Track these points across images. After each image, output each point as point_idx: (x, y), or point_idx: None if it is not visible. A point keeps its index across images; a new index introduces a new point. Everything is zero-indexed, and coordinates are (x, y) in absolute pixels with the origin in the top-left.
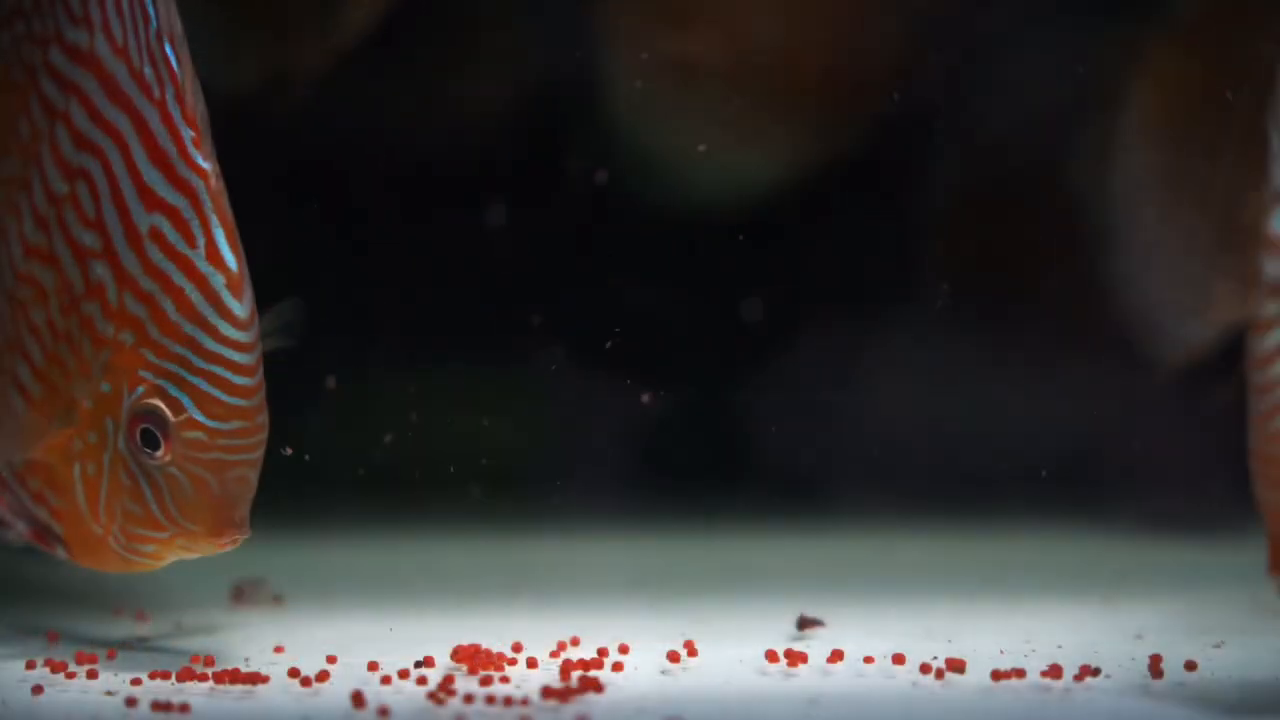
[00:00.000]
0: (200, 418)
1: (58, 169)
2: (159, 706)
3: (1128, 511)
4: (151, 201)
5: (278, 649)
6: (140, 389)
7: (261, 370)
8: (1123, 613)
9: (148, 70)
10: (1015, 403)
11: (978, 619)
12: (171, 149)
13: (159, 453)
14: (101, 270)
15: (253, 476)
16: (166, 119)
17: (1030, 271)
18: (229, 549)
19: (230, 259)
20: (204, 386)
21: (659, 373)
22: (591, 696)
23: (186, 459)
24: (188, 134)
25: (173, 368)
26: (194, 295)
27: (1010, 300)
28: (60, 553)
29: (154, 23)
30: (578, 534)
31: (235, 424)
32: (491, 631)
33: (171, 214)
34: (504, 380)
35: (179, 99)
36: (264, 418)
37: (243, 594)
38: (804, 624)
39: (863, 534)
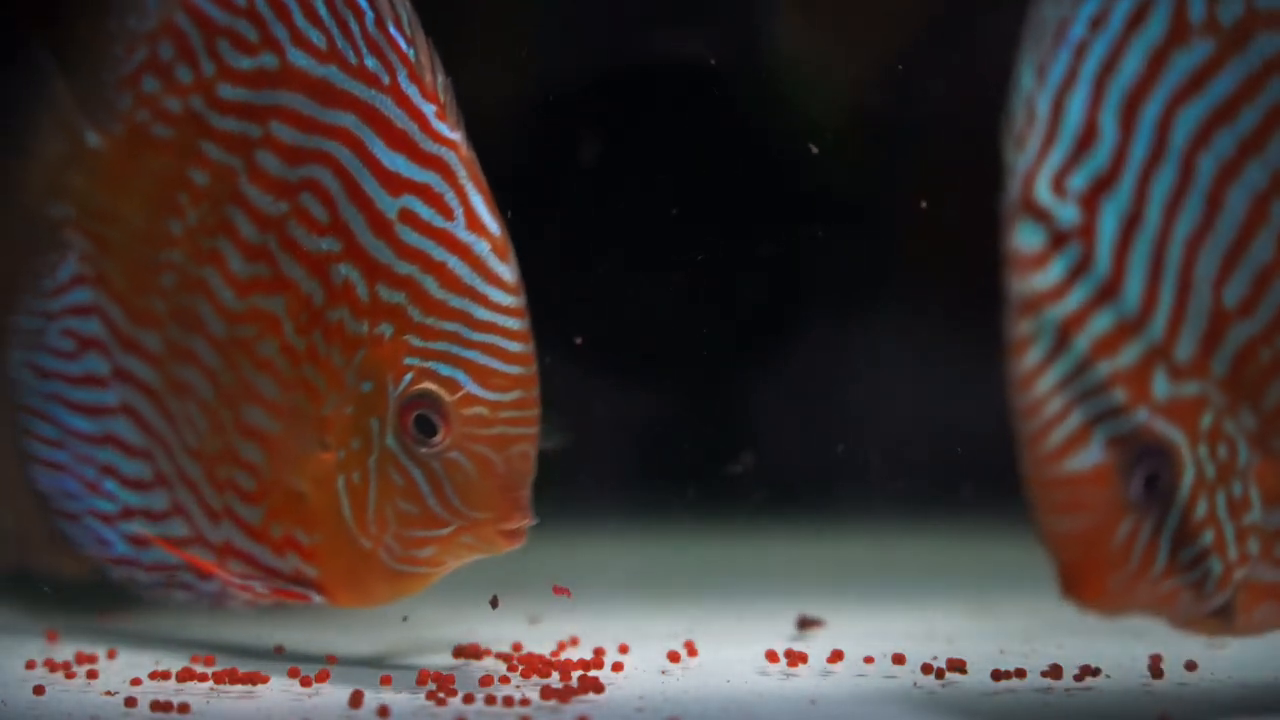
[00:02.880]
0: (479, 391)
1: (267, 193)
2: (159, 706)
3: None
4: (397, 185)
5: (278, 649)
6: (408, 377)
7: (532, 339)
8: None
9: (370, 61)
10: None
11: (978, 619)
12: (412, 128)
13: (437, 438)
14: (346, 270)
15: (534, 455)
16: (403, 101)
17: None
18: (515, 545)
19: (492, 224)
20: (480, 359)
21: (659, 372)
22: (591, 696)
23: (467, 439)
24: (429, 109)
25: (442, 346)
26: (458, 267)
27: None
28: (316, 599)
29: (369, 14)
30: (578, 534)
31: (516, 394)
32: (492, 632)
33: (422, 191)
34: None
35: (414, 78)
36: (539, 390)
37: None
38: (804, 624)
39: (863, 534)
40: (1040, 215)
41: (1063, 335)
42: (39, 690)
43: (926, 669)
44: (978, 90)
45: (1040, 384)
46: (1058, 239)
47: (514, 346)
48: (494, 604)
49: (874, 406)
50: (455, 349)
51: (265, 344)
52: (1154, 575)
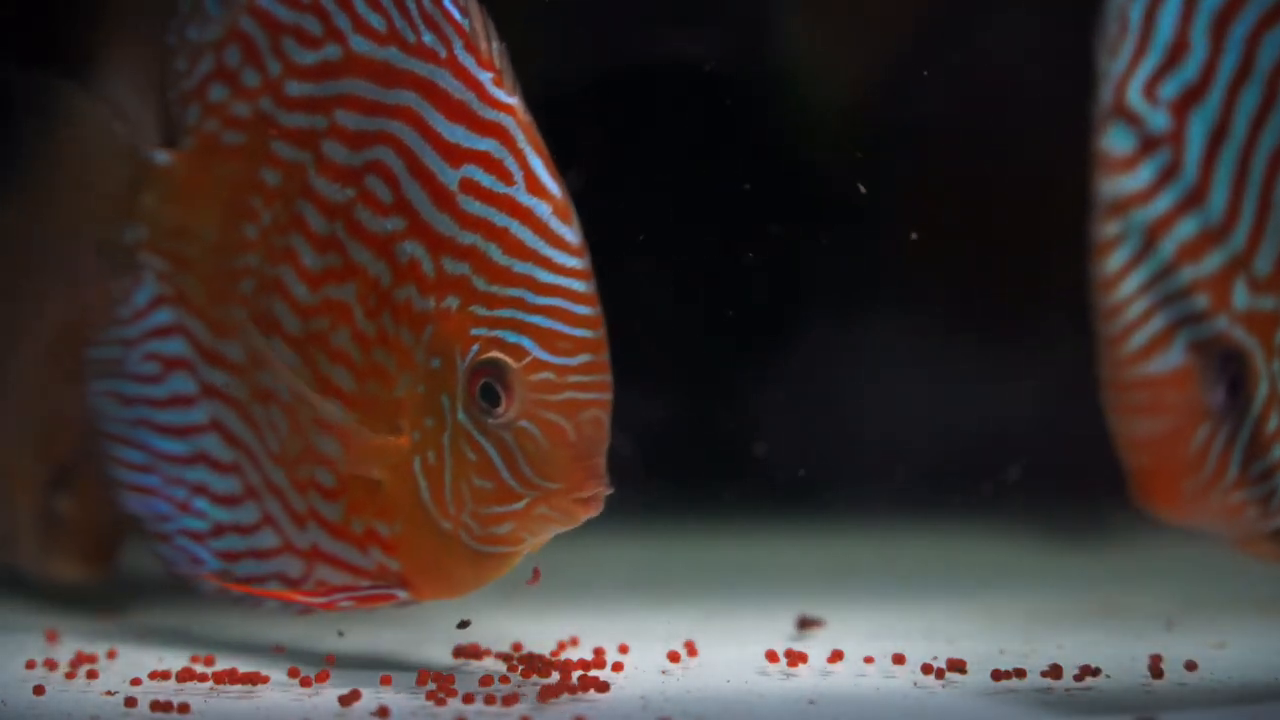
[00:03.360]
0: (545, 356)
1: (334, 182)
2: (159, 706)
3: (1127, 511)
4: (458, 156)
5: (278, 649)
6: (475, 348)
7: (599, 303)
8: (1123, 613)
9: (427, 37)
10: (1016, 402)
11: (978, 619)
12: (470, 98)
13: (500, 407)
14: (411, 248)
15: (607, 421)
16: (460, 72)
17: (1038, 270)
18: (592, 513)
19: (553, 186)
20: (545, 323)
21: (659, 371)
22: (592, 696)
23: (536, 406)
24: (485, 76)
25: (507, 314)
26: (520, 232)
27: (1015, 299)
28: (403, 596)
29: None
30: (578, 534)
31: (583, 358)
32: (492, 631)
33: (482, 159)
34: None
35: (470, 48)
36: (608, 355)
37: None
38: (804, 624)
39: (863, 534)
40: (1132, 119)
41: (1149, 238)
42: (39, 690)
43: (926, 669)
44: (979, 90)
45: (1124, 286)
46: (1148, 143)
47: (580, 309)
48: (463, 626)
49: (874, 406)
50: (520, 315)
51: (338, 334)
52: (1225, 485)
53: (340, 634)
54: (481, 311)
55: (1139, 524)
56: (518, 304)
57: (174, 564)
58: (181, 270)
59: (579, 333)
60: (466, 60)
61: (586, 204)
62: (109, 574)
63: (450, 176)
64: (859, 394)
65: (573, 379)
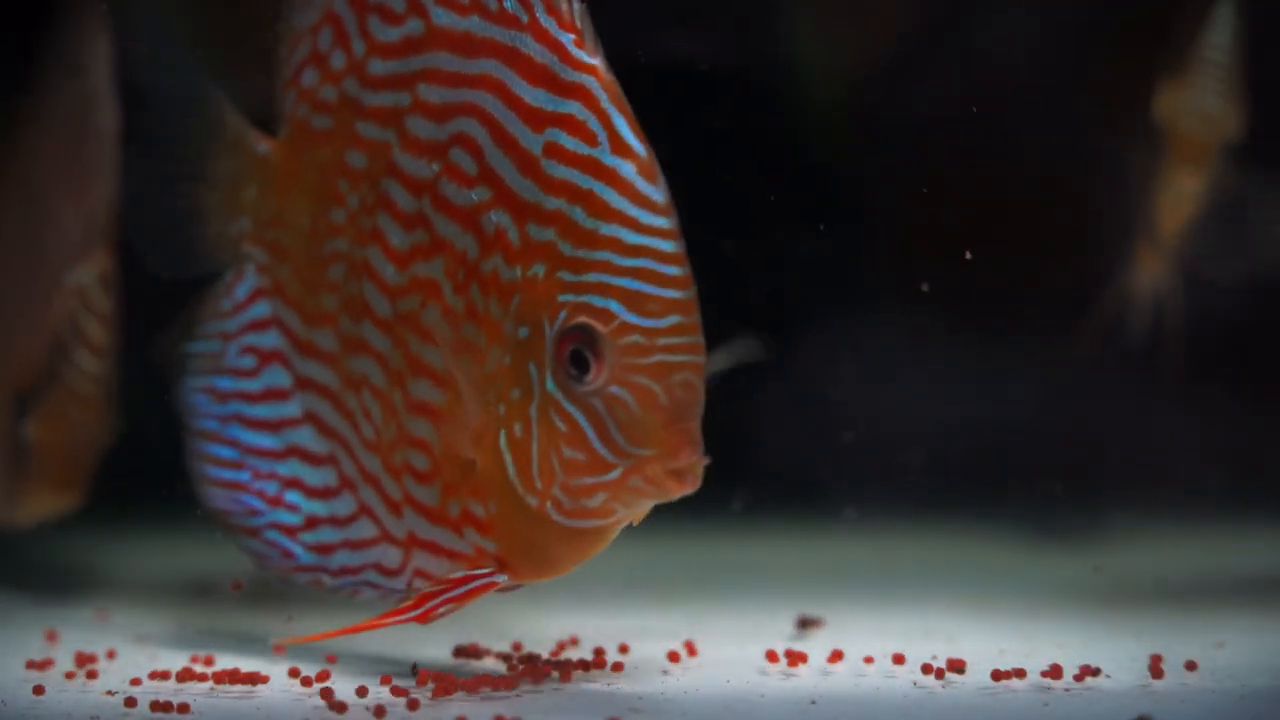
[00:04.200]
0: (634, 319)
1: (420, 157)
2: (159, 706)
3: (1128, 510)
4: (540, 120)
5: (278, 649)
6: (562, 314)
7: (690, 267)
8: (1123, 612)
9: (509, 3)
10: (1016, 402)
11: (978, 619)
12: (553, 60)
13: (590, 374)
14: (497, 218)
15: (700, 385)
16: (541, 35)
17: (1039, 270)
18: (687, 489)
19: (638, 145)
20: (632, 285)
21: None
22: (591, 695)
23: (626, 370)
24: (567, 38)
25: (594, 278)
26: (605, 192)
27: (1016, 299)
28: (503, 581)
29: None
30: None
31: (673, 318)
32: (492, 631)
33: (565, 121)
34: None
35: (551, 10)
36: (699, 318)
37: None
38: (804, 624)
39: (863, 534)
40: None
41: None
42: (39, 690)
43: (926, 669)
44: (980, 90)
45: None
46: None
47: (668, 270)
48: (415, 672)
49: (874, 406)
50: (607, 278)
51: (428, 313)
52: None
53: (289, 619)
54: (568, 277)
55: (1139, 524)
56: (605, 267)
57: (264, 559)
58: (278, 260)
59: (668, 293)
60: (548, 23)
61: None
62: (80, 501)
63: (534, 142)
64: (859, 393)
65: (663, 341)
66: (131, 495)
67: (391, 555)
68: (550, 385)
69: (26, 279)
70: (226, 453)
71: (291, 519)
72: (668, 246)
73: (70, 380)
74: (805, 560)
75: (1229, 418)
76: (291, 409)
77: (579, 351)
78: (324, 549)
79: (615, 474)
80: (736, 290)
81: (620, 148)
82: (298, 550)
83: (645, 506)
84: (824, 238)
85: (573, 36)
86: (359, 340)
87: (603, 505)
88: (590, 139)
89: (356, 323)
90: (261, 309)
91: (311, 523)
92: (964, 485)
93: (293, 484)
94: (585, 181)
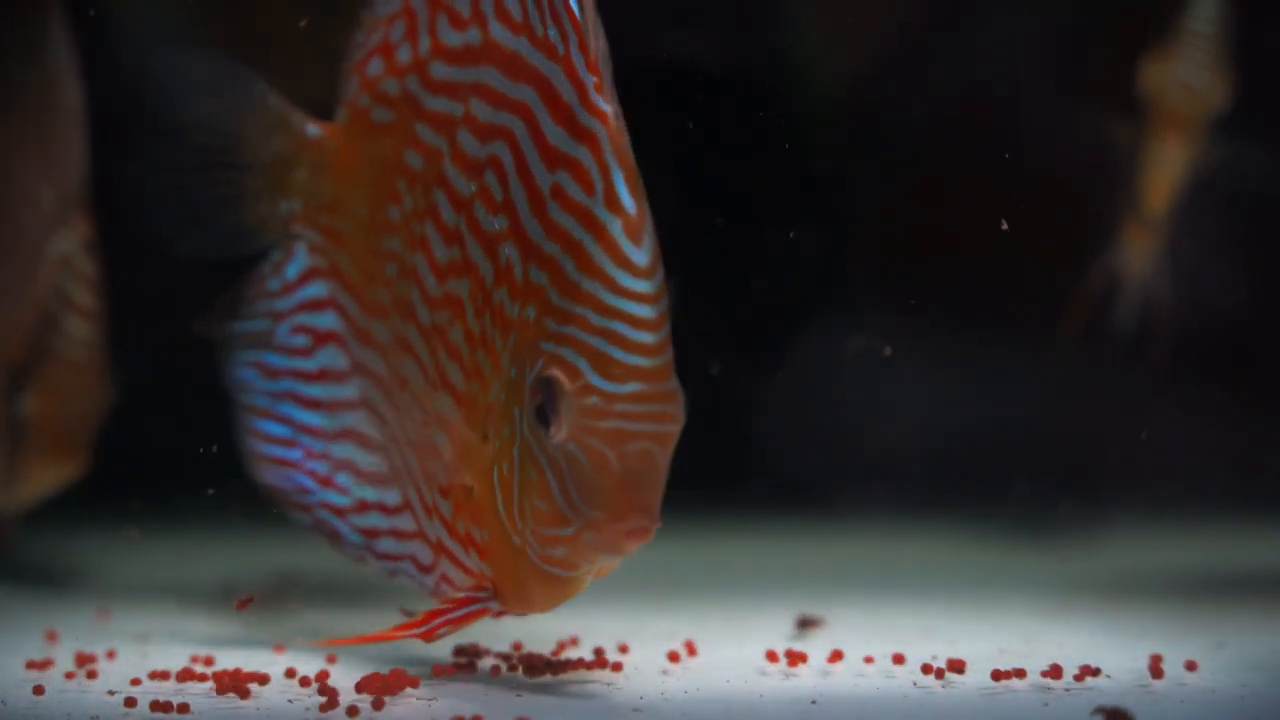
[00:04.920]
0: (596, 381)
1: (464, 173)
2: (159, 706)
3: (1128, 510)
4: (554, 159)
5: (278, 648)
6: (540, 362)
7: (668, 330)
8: (1123, 612)
9: (551, 32)
10: (1016, 402)
11: (978, 619)
12: (575, 99)
13: (551, 429)
14: (509, 250)
15: (660, 455)
16: (570, 72)
17: (1039, 269)
18: (639, 545)
19: (629, 203)
20: (601, 346)
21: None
22: (591, 695)
23: (584, 431)
24: (590, 80)
25: (572, 331)
26: (592, 247)
27: (1017, 299)
28: (495, 609)
29: None
30: None
31: (633, 386)
32: (492, 631)
33: (573, 166)
34: None
35: (582, 47)
36: (671, 385)
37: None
38: (804, 624)
39: (863, 534)
40: None
41: None
42: (39, 690)
43: (926, 669)
44: (980, 89)
45: None
46: None
47: (638, 336)
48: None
49: (875, 406)
50: (582, 335)
51: (455, 330)
52: None
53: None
54: (552, 326)
55: (1139, 524)
56: (582, 323)
57: (316, 530)
58: (335, 245)
59: (632, 360)
60: (578, 59)
61: None
62: (82, 470)
63: (546, 180)
64: (859, 394)
65: (620, 407)
66: (132, 495)
67: (425, 554)
68: (526, 431)
69: (7, 258)
70: (279, 430)
71: (341, 500)
72: (642, 311)
73: (62, 350)
74: (805, 560)
75: (1229, 417)
76: (348, 391)
77: (543, 405)
78: (371, 533)
79: (571, 529)
80: (736, 290)
81: (612, 203)
82: (345, 530)
83: (606, 562)
84: (827, 237)
85: (595, 79)
86: (405, 340)
87: (565, 557)
88: (589, 189)
89: (404, 323)
90: (317, 289)
91: (362, 507)
92: (963, 485)
93: (345, 466)
94: (578, 232)
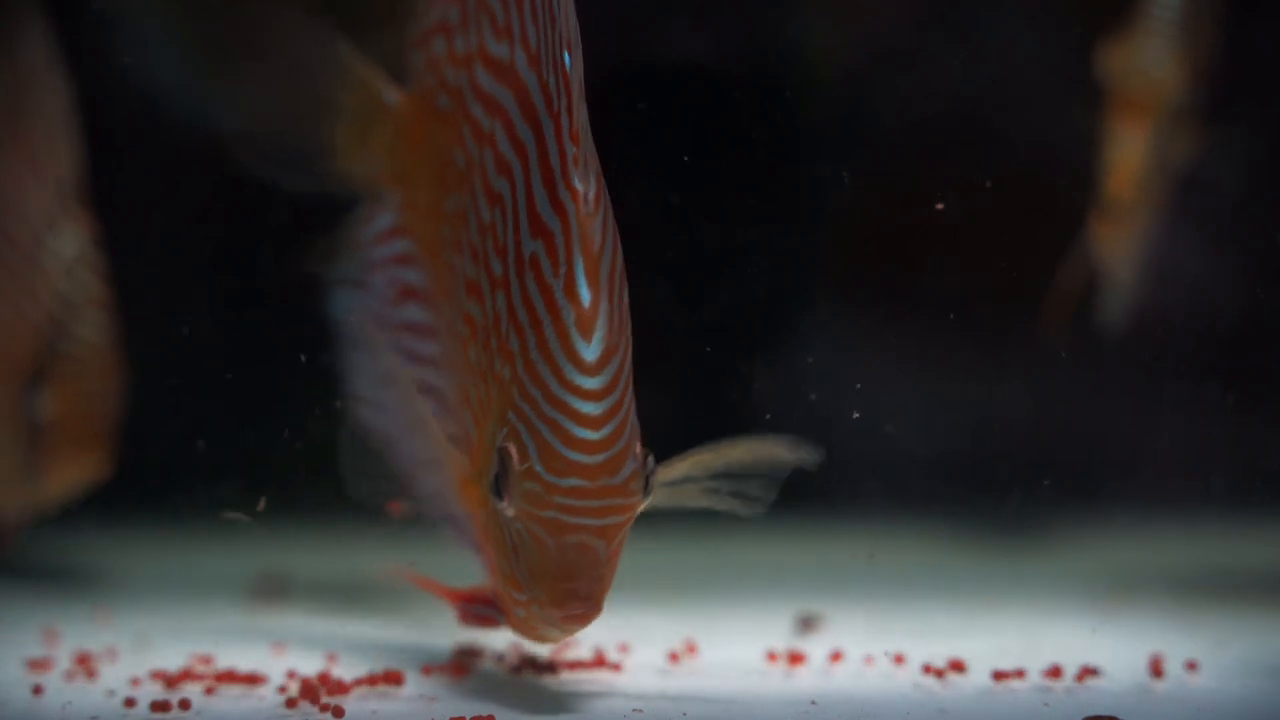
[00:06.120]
0: (539, 469)
1: (486, 197)
2: (158, 706)
3: (1129, 510)
4: (536, 226)
5: (277, 648)
6: (505, 430)
7: (618, 429)
8: (1123, 612)
9: (551, 79)
10: (1016, 401)
11: (978, 619)
12: (557, 166)
13: (502, 503)
14: (501, 300)
15: (599, 549)
16: (559, 133)
17: (1040, 270)
18: (578, 628)
19: (584, 294)
20: (545, 434)
21: (658, 369)
22: (592, 695)
23: (527, 514)
24: (570, 150)
25: (526, 409)
26: (549, 331)
27: (1018, 297)
28: (501, 621)
29: (559, 24)
30: None
31: (572, 481)
32: (492, 631)
33: (548, 240)
34: None
35: (570, 110)
36: (614, 482)
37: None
38: (804, 624)
39: (863, 534)
40: None
41: None
42: (39, 690)
43: (926, 669)
44: (979, 89)
45: None
46: None
47: (579, 432)
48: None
49: (874, 406)
50: (533, 417)
51: (471, 348)
52: None
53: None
54: (516, 396)
55: (1139, 524)
56: (534, 405)
57: (390, 487)
58: (411, 213)
59: (572, 456)
60: (565, 122)
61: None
62: (106, 467)
63: (527, 245)
64: (859, 393)
65: (559, 500)
66: (131, 495)
67: (467, 525)
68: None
69: (2, 261)
70: (374, 371)
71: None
72: (586, 408)
73: (76, 348)
74: (805, 560)
75: (1230, 416)
76: (429, 348)
77: (497, 475)
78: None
79: (524, 597)
80: (735, 290)
81: (570, 290)
82: (418, 484)
83: (557, 633)
84: (824, 235)
85: (574, 150)
86: (453, 330)
87: (523, 620)
88: (554, 268)
89: (452, 310)
90: (405, 244)
91: (434, 463)
92: (963, 485)
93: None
94: (541, 311)
